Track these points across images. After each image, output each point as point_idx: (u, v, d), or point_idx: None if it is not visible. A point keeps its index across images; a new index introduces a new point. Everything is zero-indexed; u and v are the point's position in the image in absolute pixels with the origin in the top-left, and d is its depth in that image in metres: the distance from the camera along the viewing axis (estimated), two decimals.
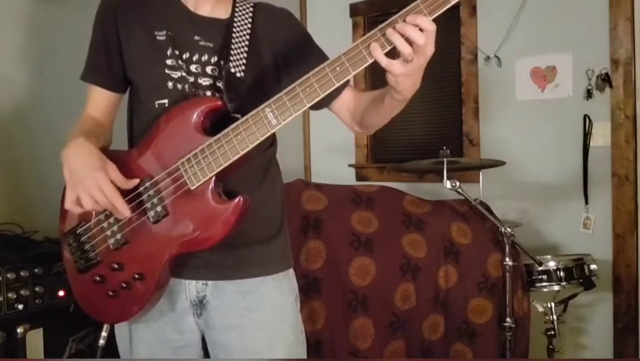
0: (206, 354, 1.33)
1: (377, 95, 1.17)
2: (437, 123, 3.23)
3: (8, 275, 1.68)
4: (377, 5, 3.35)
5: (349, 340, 2.15)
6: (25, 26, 2.19)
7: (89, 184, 1.09)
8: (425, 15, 0.96)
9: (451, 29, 3.09)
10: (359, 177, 3.47)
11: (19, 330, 1.68)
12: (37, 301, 1.74)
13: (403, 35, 0.96)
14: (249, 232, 1.21)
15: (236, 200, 1.11)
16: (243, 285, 1.26)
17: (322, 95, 1.05)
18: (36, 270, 1.75)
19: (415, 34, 0.95)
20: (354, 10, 3.44)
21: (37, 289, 1.74)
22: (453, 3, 0.98)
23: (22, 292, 1.71)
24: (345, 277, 2.17)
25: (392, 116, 1.19)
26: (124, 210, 1.11)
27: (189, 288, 1.26)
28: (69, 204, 1.12)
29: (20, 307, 1.70)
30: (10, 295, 1.68)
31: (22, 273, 1.71)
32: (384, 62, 0.98)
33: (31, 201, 2.13)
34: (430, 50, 0.97)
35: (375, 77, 3.33)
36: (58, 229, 1.27)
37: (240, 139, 1.09)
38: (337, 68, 1.02)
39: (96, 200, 1.09)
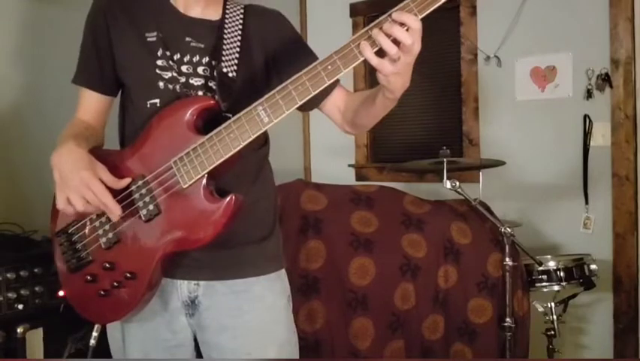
0: (199, 354, 1.32)
1: (368, 95, 1.18)
2: (437, 123, 3.22)
3: (8, 275, 1.68)
4: (377, 5, 3.34)
5: (349, 340, 2.14)
6: (22, 26, 2.19)
7: (77, 184, 1.09)
8: (415, 14, 0.96)
9: (450, 29, 3.09)
10: (359, 177, 3.47)
11: (19, 330, 1.68)
12: (36, 301, 1.74)
13: (389, 36, 0.97)
14: (241, 232, 1.21)
15: (228, 198, 1.11)
16: (235, 285, 1.26)
17: (314, 93, 1.05)
18: (36, 270, 1.75)
19: (401, 34, 0.96)
20: (354, 10, 3.44)
21: (36, 289, 1.74)
22: (442, 2, 0.97)
23: (21, 291, 1.71)
24: (344, 277, 2.17)
25: (382, 115, 1.19)
26: (114, 208, 1.11)
27: (181, 288, 1.26)
28: (61, 205, 1.12)
29: (20, 307, 1.70)
30: (9, 295, 1.68)
31: (21, 273, 1.72)
32: (375, 61, 1.00)
33: (30, 201, 2.13)
34: (417, 47, 0.98)
35: (375, 76, 3.32)
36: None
37: (233, 137, 1.09)
38: (329, 67, 1.03)
39: (87, 199, 1.09)
